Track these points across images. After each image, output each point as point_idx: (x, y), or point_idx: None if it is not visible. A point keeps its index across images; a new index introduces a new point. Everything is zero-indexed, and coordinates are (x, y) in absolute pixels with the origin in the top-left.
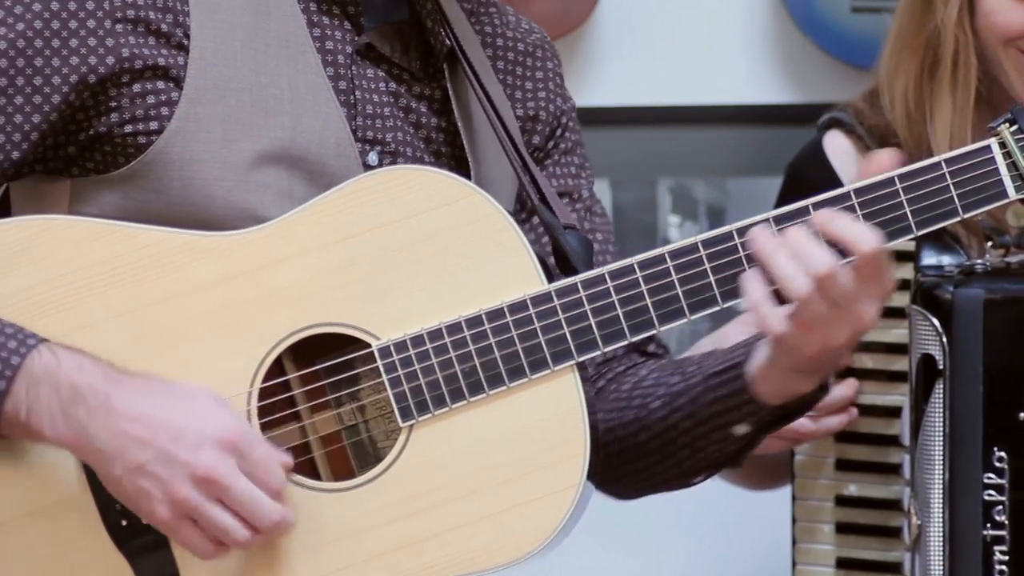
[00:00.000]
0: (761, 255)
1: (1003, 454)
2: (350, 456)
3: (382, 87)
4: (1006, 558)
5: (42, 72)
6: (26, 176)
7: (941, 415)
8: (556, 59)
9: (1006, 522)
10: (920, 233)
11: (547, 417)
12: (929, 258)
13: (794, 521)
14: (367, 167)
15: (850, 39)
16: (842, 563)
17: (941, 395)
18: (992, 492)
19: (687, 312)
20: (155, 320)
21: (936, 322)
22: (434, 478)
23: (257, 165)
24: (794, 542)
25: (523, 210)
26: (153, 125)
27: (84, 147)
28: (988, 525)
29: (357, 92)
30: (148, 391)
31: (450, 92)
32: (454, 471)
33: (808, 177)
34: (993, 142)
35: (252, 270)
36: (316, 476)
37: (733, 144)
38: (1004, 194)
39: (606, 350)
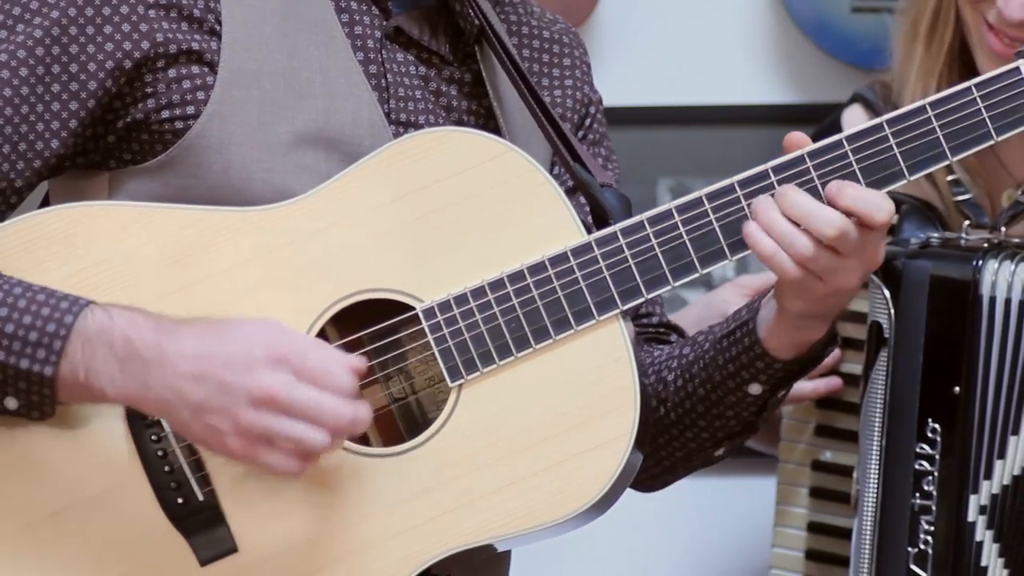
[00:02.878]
0: (763, 224)
1: (936, 426)
2: (399, 424)
3: (412, 71)
4: (931, 528)
5: (78, 59)
6: (66, 171)
7: (883, 383)
8: (582, 48)
9: (934, 493)
10: (956, 159)
11: (595, 367)
12: (908, 233)
13: (777, 482)
14: None
15: (850, 39)
16: (813, 527)
17: (885, 364)
18: (923, 462)
19: (728, 253)
20: (201, 297)
21: (886, 292)
22: (487, 436)
23: (294, 147)
24: (776, 503)
25: (564, 185)
26: (190, 110)
27: (122, 136)
28: (917, 495)
29: (388, 76)
30: (197, 331)
31: (483, 73)
32: (506, 428)
33: None
34: (1022, 63)
35: (293, 242)
36: (367, 444)
37: (733, 144)
38: None
39: (649, 296)
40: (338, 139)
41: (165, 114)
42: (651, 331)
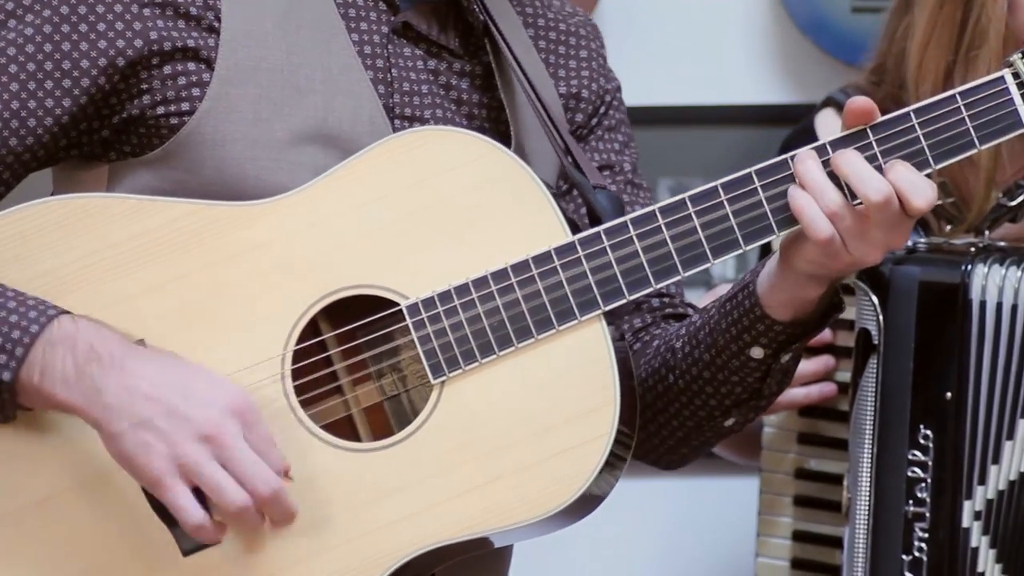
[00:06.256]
0: (799, 172)
1: (928, 432)
2: (391, 420)
3: (420, 65)
4: (925, 535)
5: (70, 57)
6: (63, 162)
7: (873, 390)
8: (599, 40)
9: (927, 500)
10: (938, 167)
11: (576, 367)
12: None
13: (760, 492)
14: None
15: (850, 39)
16: (798, 536)
17: (874, 371)
18: (916, 469)
19: (710, 256)
20: (189, 291)
21: (874, 298)
22: (467, 433)
23: (291, 144)
24: (759, 513)
25: (566, 183)
26: (185, 106)
27: (119, 130)
28: (910, 502)
29: (393, 71)
30: (162, 359)
31: (493, 67)
32: (486, 425)
33: None
34: (1007, 73)
35: (282, 237)
36: (356, 437)
37: (733, 144)
38: (1020, 124)
39: (631, 297)
40: (337, 136)
41: (160, 110)
42: (669, 310)
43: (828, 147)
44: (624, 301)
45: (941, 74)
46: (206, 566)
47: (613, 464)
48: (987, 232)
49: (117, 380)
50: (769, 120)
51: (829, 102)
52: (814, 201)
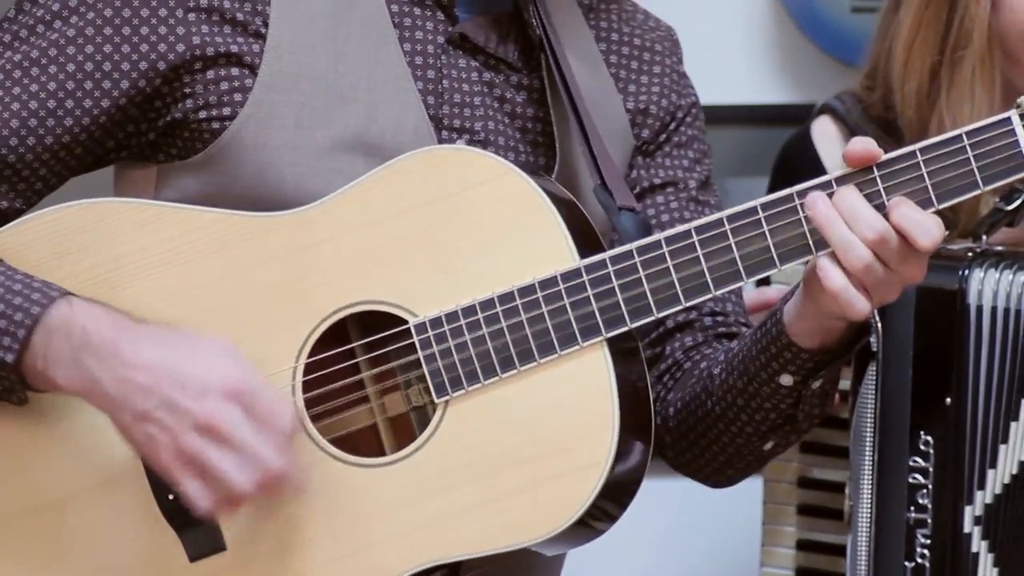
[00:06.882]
0: (820, 224)
1: (929, 438)
2: (416, 431)
3: (474, 77)
4: (928, 542)
5: (111, 59)
6: (110, 163)
7: (873, 398)
8: (676, 56)
9: (929, 506)
10: (941, 206)
11: (576, 392)
12: None
13: (764, 502)
14: None
15: (850, 39)
16: (802, 545)
17: (874, 378)
18: (917, 476)
19: (712, 287)
20: (206, 299)
21: None
22: (468, 453)
23: (331, 152)
24: (763, 523)
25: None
26: (227, 111)
27: (164, 133)
28: (911, 508)
29: (444, 81)
30: (156, 339)
31: (545, 82)
32: (486, 447)
33: (793, 162)
34: (1014, 114)
35: (299, 250)
36: (380, 448)
37: (733, 144)
38: None
39: (633, 326)
40: (379, 145)
41: (203, 114)
42: (722, 329)
43: (833, 183)
44: (626, 329)
45: (927, 74)
46: (214, 572)
47: (617, 491)
48: (984, 236)
49: (112, 370)
50: (768, 120)
51: (825, 109)
52: (841, 270)
